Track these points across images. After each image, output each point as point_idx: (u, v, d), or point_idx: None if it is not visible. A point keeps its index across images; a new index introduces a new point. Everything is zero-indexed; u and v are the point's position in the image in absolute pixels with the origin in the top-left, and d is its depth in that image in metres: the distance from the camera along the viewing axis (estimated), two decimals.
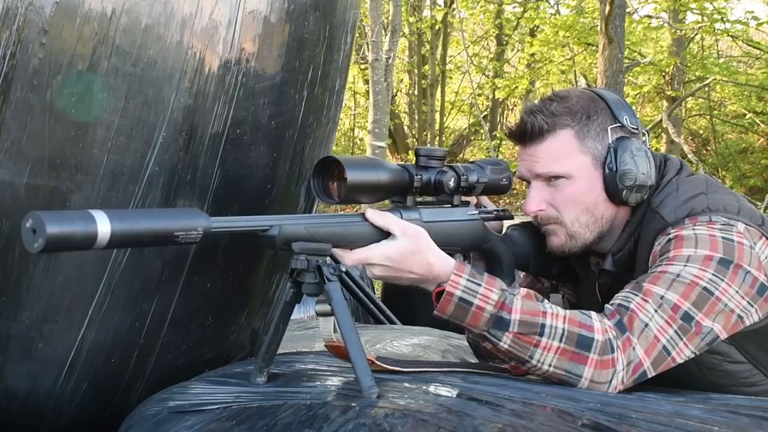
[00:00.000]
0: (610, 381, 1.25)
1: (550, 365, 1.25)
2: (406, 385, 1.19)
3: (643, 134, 1.49)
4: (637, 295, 1.31)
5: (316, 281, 1.18)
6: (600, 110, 1.46)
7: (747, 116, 13.06)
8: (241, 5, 1.37)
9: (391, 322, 3.30)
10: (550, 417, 1.08)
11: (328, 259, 1.20)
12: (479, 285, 1.26)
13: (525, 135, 1.46)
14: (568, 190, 1.45)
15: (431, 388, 1.19)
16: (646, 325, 1.27)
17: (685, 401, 1.20)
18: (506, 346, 1.26)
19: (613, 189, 1.44)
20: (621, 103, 1.50)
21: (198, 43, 1.33)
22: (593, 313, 1.29)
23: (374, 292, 3.76)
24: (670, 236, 1.39)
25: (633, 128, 1.47)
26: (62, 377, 1.39)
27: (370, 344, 2.20)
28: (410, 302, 3.80)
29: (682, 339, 1.29)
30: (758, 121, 12.94)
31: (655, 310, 1.29)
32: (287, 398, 1.13)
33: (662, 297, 1.30)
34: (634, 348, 1.26)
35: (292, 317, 1.37)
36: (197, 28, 1.33)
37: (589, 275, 1.57)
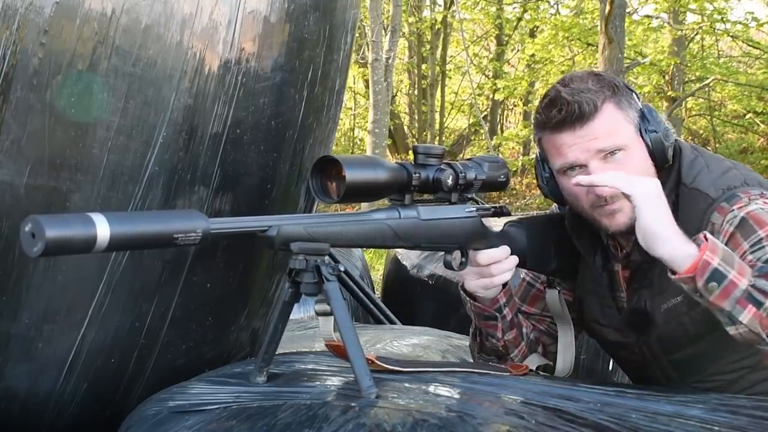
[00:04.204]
0: None
1: None
2: (406, 385, 1.19)
3: None
4: None
5: (314, 281, 1.18)
6: (614, 84, 1.50)
7: (747, 116, 13.07)
8: (241, 5, 1.37)
9: (391, 322, 3.30)
10: (550, 417, 1.08)
11: (326, 258, 1.20)
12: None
13: (581, 116, 1.44)
14: (628, 161, 1.46)
15: (431, 388, 1.19)
16: None
17: (685, 401, 1.20)
18: None
19: (659, 149, 1.47)
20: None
21: (198, 43, 1.33)
22: None
23: (374, 292, 3.76)
24: (741, 215, 1.39)
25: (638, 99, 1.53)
26: (62, 377, 1.39)
27: (370, 344, 2.21)
28: (410, 302, 3.81)
29: None
30: (758, 121, 12.95)
31: None
32: (287, 398, 1.13)
33: None
34: None
35: (292, 317, 1.37)
36: (197, 28, 1.33)
37: (596, 262, 1.55)
